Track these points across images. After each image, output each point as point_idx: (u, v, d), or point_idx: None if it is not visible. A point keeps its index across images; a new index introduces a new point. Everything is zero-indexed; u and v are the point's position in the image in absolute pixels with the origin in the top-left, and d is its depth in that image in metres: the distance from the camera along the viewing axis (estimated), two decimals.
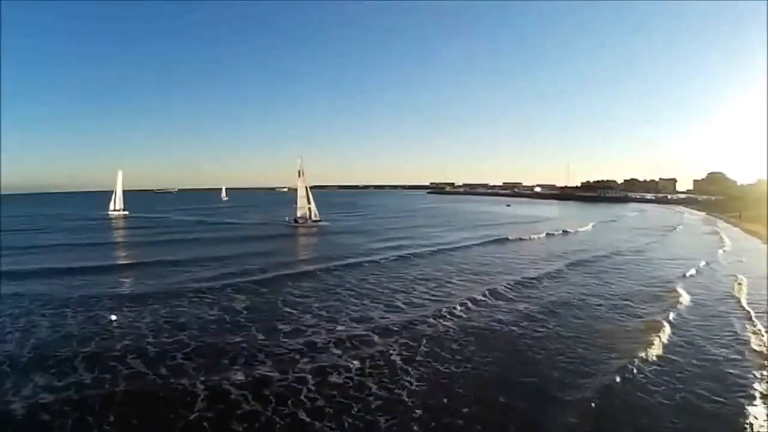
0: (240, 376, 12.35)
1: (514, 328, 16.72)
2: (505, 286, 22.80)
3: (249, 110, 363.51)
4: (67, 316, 18.21)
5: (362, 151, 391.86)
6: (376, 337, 15.70)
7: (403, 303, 20.14)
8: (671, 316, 17.91)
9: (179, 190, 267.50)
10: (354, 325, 17.14)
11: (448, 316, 17.91)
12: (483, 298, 20.66)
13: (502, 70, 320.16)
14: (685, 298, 20.75)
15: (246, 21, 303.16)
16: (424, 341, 15.26)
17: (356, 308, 19.42)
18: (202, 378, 12.24)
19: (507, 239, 41.82)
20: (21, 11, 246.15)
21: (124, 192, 77.74)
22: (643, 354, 13.88)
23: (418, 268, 28.22)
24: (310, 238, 46.97)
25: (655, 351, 14.23)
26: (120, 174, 76.56)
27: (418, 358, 13.94)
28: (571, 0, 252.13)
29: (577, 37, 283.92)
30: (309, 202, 55.85)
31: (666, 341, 15.18)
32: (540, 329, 16.51)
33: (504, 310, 18.98)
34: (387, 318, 17.92)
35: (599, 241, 41.83)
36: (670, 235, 48.75)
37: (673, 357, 13.86)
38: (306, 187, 55.53)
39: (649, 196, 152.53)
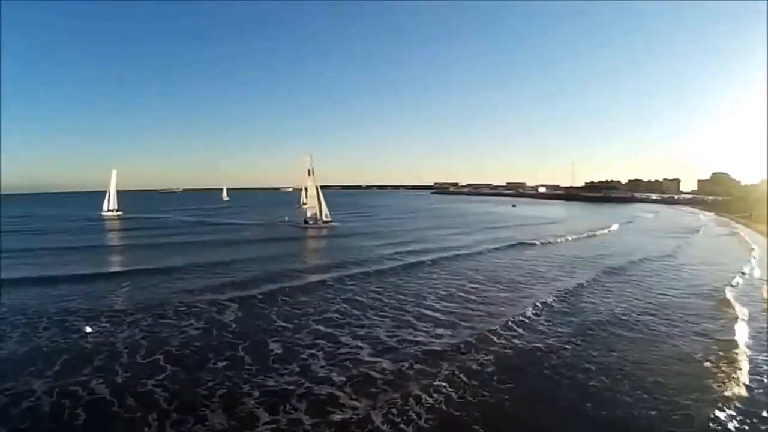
0: (219, 418, 10.33)
1: (564, 355, 14.24)
2: (542, 300, 20.56)
3: (252, 110, 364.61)
4: (39, 327, 16.74)
5: (365, 151, 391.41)
6: (386, 363, 13.44)
7: (428, 322, 17.49)
8: (740, 336, 15.86)
9: (183, 190, 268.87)
10: (360, 347, 14.78)
11: (477, 342, 15.24)
12: (522, 317, 18.08)
13: (505, 71, 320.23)
14: (743, 312, 18.69)
15: (247, 21, 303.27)
16: (455, 373, 12.70)
17: (365, 325, 17.13)
18: (174, 417, 10.35)
19: (526, 243, 39.65)
20: (22, 10, 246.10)
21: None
22: (728, 393, 11.56)
23: (440, 276, 26.14)
24: (319, 241, 45.03)
25: (738, 390, 11.77)
26: (114, 173, 73.90)
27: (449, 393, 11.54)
28: (574, 0, 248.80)
29: (579, 38, 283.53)
30: (320, 202, 53.94)
31: (747, 374, 12.75)
32: (597, 358, 14.00)
33: (545, 330, 16.65)
34: (408, 341, 15.44)
35: (625, 245, 39.98)
36: (694, 238, 46.99)
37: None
38: (317, 187, 53.64)
39: (654, 196, 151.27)
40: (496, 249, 36.58)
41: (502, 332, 16.19)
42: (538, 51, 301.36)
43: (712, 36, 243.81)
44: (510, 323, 17.13)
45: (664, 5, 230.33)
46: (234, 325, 17.03)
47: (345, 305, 19.87)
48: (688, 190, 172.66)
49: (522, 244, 39.45)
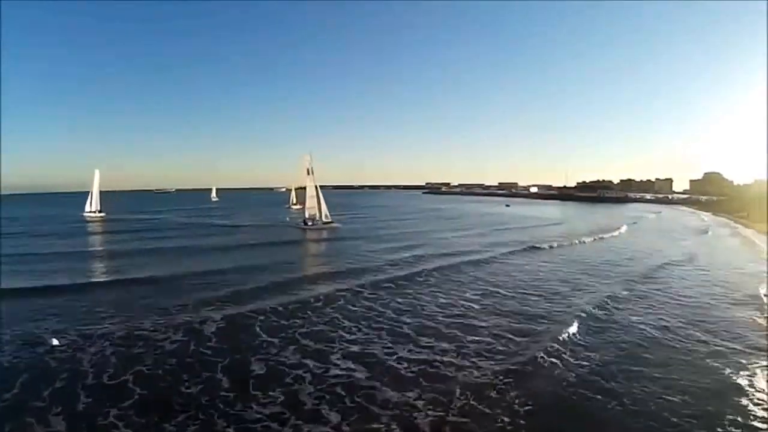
0: None
1: (618, 385, 12.27)
2: (582, 312, 18.90)
3: (247, 110, 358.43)
4: (2, 339, 15.37)
5: (357, 152, 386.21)
6: (390, 392, 11.60)
7: (462, 344, 15.44)
8: None
9: (177, 190, 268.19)
10: (365, 376, 12.67)
11: (512, 367, 13.22)
12: (564, 334, 16.13)
13: (497, 71, 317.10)
14: None
15: (245, 20, 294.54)
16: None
17: (365, 346, 15.13)
18: None
19: (538, 247, 37.94)
20: (21, 9, 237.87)
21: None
22: None
23: (460, 286, 24.12)
24: (320, 245, 43.09)
25: None
26: (97, 173, 70.54)
27: None
28: (567, 0, 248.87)
29: (572, 38, 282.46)
30: (319, 202, 52.03)
31: None
32: (656, 390, 12.06)
33: (591, 351, 14.79)
34: (443, 364, 13.49)
35: (640, 248, 38.76)
36: (706, 239, 46.15)
37: None
38: (316, 187, 51.48)
39: (648, 196, 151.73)
40: (510, 253, 34.92)
41: (538, 354, 14.26)
42: (533, 52, 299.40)
43: (705, 37, 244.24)
44: (549, 345, 15.10)
45: (659, 5, 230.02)
46: (214, 340, 15.48)
47: (362, 321, 17.92)
48: (681, 190, 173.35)
49: (535, 248, 37.74)
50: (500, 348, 14.95)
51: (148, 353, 14.14)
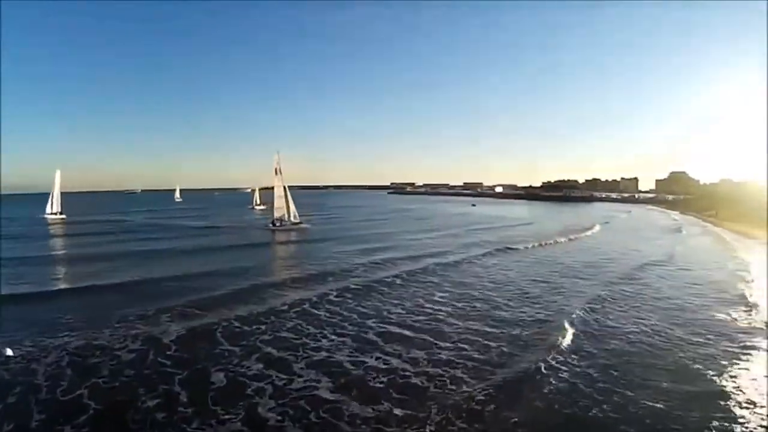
0: None
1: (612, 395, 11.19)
2: (568, 316, 17.64)
3: (212, 111, 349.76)
4: None
5: (322, 152, 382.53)
6: (358, 406, 10.67)
7: (440, 351, 14.21)
8: None
9: (142, 190, 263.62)
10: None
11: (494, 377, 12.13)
12: (550, 341, 15.00)
13: (461, 71, 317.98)
14: None
15: (207, 23, 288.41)
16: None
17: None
18: None
19: (512, 248, 36.46)
20: (21, 9, 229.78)
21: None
22: None
23: (432, 289, 22.71)
24: (288, 246, 41.08)
25: None
26: (58, 174, 67.23)
27: None
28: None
29: (529, 38, 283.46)
30: (287, 203, 49.59)
31: None
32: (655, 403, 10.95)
33: (582, 358, 13.55)
34: (412, 374, 12.36)
35: (616, 248, 38.09)
36: (680, 238, 45.87)
37: None
38: (284, 187, 49.30)
39: (614, 195, 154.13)
40: (484, 255, 33.31)
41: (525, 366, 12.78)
42: (498, 52, 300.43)
43: (664, 38, 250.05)
44: (529, 353, 14.02)
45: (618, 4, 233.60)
46: (174, 348, 14.57)
47: (327, 327, 16.32)
48: (647, 189, 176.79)
49: (509, 248, 36.43)
50: (477, 356, 13.80)
51: (104, 364, 13.35)
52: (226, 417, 10.30)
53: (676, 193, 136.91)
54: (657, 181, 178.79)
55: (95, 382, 12.07)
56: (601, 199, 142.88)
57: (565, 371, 12.50)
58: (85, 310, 19.05)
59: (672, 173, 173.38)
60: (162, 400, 11.10)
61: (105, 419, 10.36)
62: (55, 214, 67.14)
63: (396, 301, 20.23)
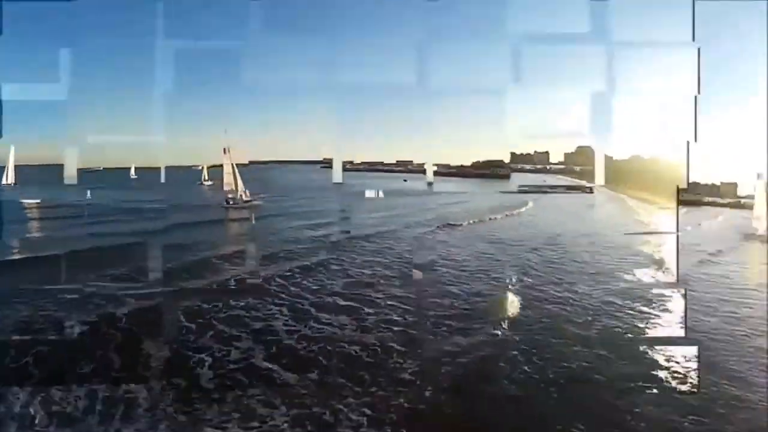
0: None
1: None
2: (495, 292, 19.95)
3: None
4: None
5: (266, 128, 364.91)
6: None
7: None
8: None
9: (104, 168, 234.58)
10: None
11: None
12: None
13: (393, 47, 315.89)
14: None
15: None
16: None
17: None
18: None
19: (454, 224, 40.56)
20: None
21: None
22: None
23: (376, 263, 24.72)
24: (241, 224, 42.32)
25: None
26: (12, 149, 63.08)
27: None
28: None
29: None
30: (236, 180, 49.23)
31: None
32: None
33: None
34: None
35: (549, 222, 44.39)
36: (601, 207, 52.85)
37: None
38: (232, 164, 48.88)
39: (528, 167, 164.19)
40: (432, 230, 36.76)
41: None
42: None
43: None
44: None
45: None
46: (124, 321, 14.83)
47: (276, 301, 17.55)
48: (557, 161, 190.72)
49: (450, 224, 40.35)
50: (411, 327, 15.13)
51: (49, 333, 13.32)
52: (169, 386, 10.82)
53: (583, 164, 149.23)
54: (566, 154, 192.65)
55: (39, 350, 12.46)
56: (518, 170, 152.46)
57: (509, 344, 14.23)
58: (32, 283, 18.94)
59: (579, 147, 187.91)
60: (97, 366, 11.76)
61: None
62: (9, 184, 66.17)
63: (340, 275, 21.27)
